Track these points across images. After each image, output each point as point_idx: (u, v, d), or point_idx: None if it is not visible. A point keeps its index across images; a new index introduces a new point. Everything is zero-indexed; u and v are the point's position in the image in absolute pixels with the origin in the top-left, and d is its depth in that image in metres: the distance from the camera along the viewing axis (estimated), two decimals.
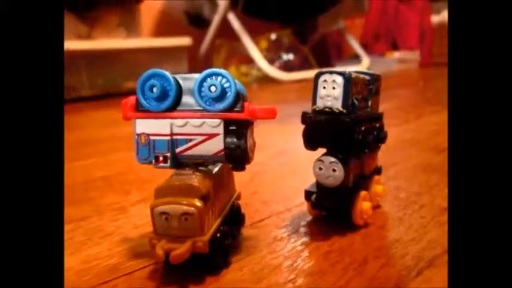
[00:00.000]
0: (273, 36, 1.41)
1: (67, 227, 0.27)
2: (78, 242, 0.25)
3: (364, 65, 1.46)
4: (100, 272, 0.21)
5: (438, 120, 0.59)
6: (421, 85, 1.13)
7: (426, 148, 0.43)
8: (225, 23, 1.31)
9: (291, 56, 1.43)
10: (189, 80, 0.21)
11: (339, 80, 0.22)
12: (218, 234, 0.21)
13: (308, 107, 0.24)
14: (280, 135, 0.53)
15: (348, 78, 0.22)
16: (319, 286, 0.19)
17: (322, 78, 0.23)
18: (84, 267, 0.22)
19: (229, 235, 0.22)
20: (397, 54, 1.64)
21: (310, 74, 1.52)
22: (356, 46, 1.50)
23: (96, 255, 0.23)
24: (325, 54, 1.54)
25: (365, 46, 1.54)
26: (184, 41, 1.21)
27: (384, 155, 0.35)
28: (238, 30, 1.29)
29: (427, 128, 0.54)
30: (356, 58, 1.49)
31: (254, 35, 1.32)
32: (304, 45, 1.49)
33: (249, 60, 1.35)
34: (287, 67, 1.39)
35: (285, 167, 0.39)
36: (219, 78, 0.20)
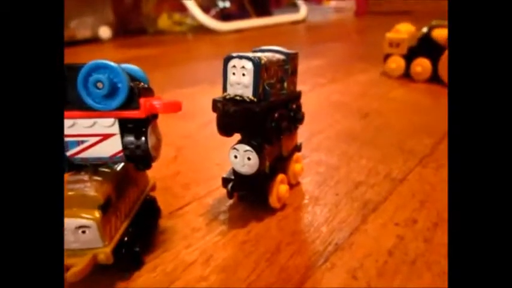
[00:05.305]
0: None
1: None
2: None
3: (302, 13, 1.43)
4: None
5: (365, 80, 0.60)
6: (353, 38, 1.14)
7: (350, 112, 0.45)
8: None
9: (227, 4, 1.35)
10: (75, 72, 0.18)
11: (249, 66, 0.21)
12: (126, 238, 0.20)
13: None
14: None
15: (257, 64, 0.21)
16: (231, 282, 0.19)
17: (231, 63, 0.21)
18: None
19: (139, 237, 0.21)
20: (333, 3, 1.63)
21: (248, 23, 1.46)
22: None
23: None
24: (264, 2, 1.47)
25: None
26: None
27: (310, 122, 0.35)
28: None
29: (354, 89, 0.55)
30: (294, 6, 1.45)
31: None
32: None
33: (183, 8, 1.25)
34: (224, 16, 1.32)
35: (211, 140, 0.38)
36: (106, 72, 0.17)
